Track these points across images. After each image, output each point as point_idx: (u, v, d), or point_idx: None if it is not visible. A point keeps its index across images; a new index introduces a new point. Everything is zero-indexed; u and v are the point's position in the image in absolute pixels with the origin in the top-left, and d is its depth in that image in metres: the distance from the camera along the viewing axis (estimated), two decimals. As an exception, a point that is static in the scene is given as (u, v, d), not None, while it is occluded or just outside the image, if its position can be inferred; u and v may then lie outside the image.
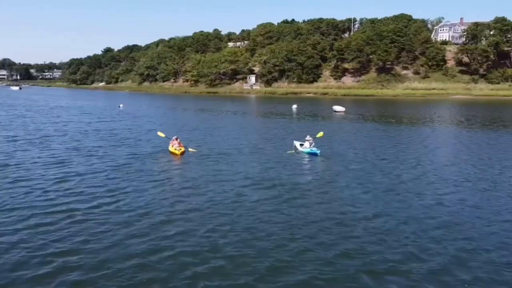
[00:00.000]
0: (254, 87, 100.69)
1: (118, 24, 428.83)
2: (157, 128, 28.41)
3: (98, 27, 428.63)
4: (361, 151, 20.77)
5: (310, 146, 20.41)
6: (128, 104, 58.15)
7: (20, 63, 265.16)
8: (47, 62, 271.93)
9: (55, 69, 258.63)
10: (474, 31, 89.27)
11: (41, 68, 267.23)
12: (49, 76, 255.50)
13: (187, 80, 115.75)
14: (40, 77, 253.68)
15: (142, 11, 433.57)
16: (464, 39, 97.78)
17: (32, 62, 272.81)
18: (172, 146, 20.13)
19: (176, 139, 20.57)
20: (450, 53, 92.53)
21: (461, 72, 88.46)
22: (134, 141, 22.58)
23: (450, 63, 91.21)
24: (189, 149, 20.07)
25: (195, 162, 17.51)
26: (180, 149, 19.63)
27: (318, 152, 19.73)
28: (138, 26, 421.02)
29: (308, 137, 20.98)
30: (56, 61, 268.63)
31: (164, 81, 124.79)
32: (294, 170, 16.23)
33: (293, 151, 20.74)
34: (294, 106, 49.77)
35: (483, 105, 57.53)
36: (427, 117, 39.89)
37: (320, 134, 21.70)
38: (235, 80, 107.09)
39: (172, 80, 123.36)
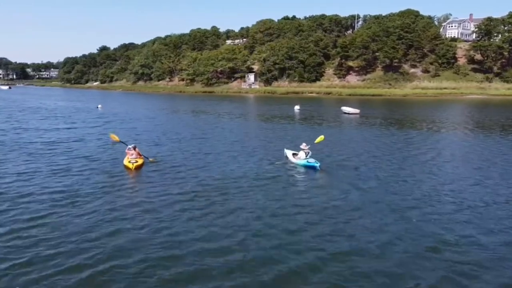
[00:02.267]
0: (253, 86, 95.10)
1: (117, 22, 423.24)
2: (129, 137, 22.96)
3: (97, 26, 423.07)
4: (381, 166, 15.57)
5: (306, 156, 15.91)
6: (111, 104, 52.78)
7: (16, 62, 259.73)
8: (45, 62, 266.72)
9: (52, 68, 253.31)
10: (488, 27, 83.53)
11: (38, 67, 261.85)
12: (46, 75, 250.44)
13: (182, 79, 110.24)
14: (37, 76, 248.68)
15: (141, 8, 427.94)
16: (474, 36, 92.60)
17: (30, 61, 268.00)
18: (128, 157, 15.86)
19: (134, 148, 16.22)
20: (461, 50, 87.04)
21: (474, 70, 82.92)
22: (85, 162, 16.55)
23: (461, 61, 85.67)
24: (150, 159, 16.73)
25: (156, 202, 11.97)
26: (136, 161, 15.47)
27: (317, 165, 15.17)
28: (136, 24, 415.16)
29: (303, 145, 16.39)
30: (54, 60, 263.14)
31: (159, 80, 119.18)
32: (287, 198, 10.90)
33: (281, 162, 16.77)
34: (297, 107, 44.28)
35: (503, 106, 52.01)
36: (453, 120, 34.32)
37: (320, 138, 17.40)
38: (233, 79, 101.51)
39: (167, 79, 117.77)
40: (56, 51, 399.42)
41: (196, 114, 39.25)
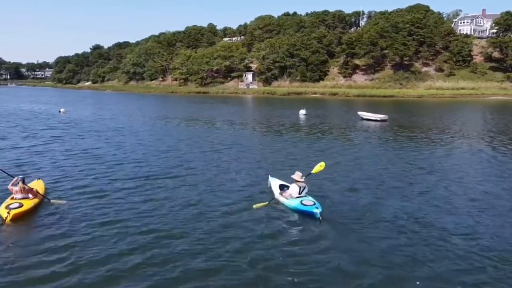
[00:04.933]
0: (251, 86, 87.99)
1: (116, 21, 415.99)
2: (65, 164, 15.81)
3: (96, 25, 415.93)
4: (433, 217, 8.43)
5: (300, 192, 10.10)
6: (83, 108, 45.60)
7: (10, 62, 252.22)
8: (41, 61, 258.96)
9: (47, 68, 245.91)
10: (508, 21, 76.53)
11: (32, 67, 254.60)
12: (40, 75, 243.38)
13: (176, 79, 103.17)
14: (31, 76, 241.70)
15: (139, 7, 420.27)
16: (488, 32, 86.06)
17: (26, 61, 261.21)
18: (11, 198, 9.48)
19: (23, 180, 9.65)
20: (476, 47, 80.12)
21: (492, 69, 76.04)
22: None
23: (478, 58, 78.77)
24: (52, 200, 10.09)
25: None
26: (21, 204, 8.98)
27: (317, 211, 9.25)
28: (134, 23, 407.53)
29: (297, 176, 10.29)
30: (51, 60, 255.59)
31: (151, 80, 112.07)
32: None
33: (263, 204, 10.14)
34: (302, 112, 37.10)
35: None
36: (496, 126, 27.34)
37: (320, 166, 10.46)
38: (229, 79, 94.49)
39: (160, 79, 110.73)
40: (53, 51, 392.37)
41: (179, 123, 31.08)
